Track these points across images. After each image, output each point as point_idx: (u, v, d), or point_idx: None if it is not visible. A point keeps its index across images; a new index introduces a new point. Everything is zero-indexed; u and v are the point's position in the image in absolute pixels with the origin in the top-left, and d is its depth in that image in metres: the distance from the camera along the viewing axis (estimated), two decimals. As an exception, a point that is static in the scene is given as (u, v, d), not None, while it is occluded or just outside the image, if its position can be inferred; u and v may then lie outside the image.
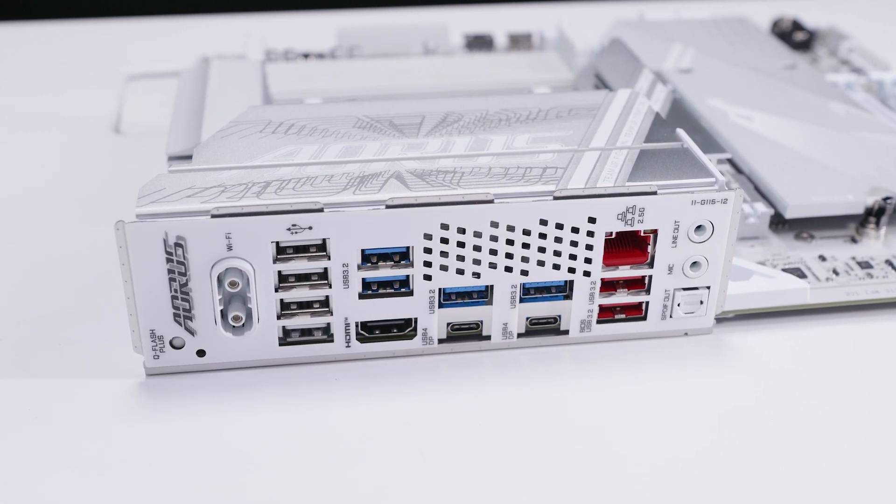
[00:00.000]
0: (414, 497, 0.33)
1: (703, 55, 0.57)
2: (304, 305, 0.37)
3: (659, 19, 0.63)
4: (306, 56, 0.59)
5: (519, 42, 0.63)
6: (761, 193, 0.45)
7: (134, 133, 0.56)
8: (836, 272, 0.42)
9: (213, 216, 0.35)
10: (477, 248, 0.37)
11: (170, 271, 0.35)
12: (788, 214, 0.43)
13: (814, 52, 0.64)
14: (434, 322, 0.38)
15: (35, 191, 0.50)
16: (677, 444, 0.35)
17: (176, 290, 0.36)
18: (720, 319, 0.40)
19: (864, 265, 0.43)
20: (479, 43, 0.62)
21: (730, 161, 0.48)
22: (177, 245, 0.35)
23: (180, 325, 0.36)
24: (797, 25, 0.65)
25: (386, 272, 0.37)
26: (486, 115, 0.42)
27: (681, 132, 0.40)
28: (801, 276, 0.42)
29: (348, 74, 0.55)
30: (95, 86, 0.62)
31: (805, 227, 0.45)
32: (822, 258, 0.43)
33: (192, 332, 0.37)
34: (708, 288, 0.39)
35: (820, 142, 0.48)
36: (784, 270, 0.42)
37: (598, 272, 0.38)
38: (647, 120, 0.41)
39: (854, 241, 0.44)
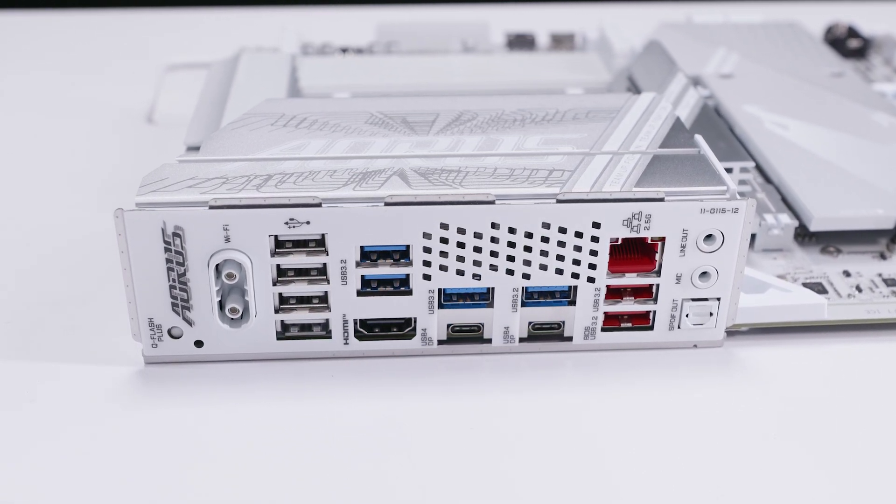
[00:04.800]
0: (398, 497, 0.32)
1: (746, 60, 0.55)
2: (304, 300, 0.37)
3: (706, 22, 0.61)
4: (344, 51, 0.59)
5: (562, 42, 0.62)
6: (788, 204, 0.44)
7: (166, 123, 0.56)
8: (859, 289, 0.40)
9: (211, 207, 0.35)
10: (477, 250, 0.36)
11: (168, 261, 0.35)
12: (813, 227, 0.42)
13: (868, 60, 0.62)
14: (434, 322, 0.37)
15: (61, 176, 0.51)
16: (674, 458, 0.34)
17: (174, 280, 0.36)
18: (733, 332, 0.39)
19: (891, 282, 0.41)
20: (521, 42, 0.61)
21: (759, 170, 0.46)
22: (175, 235, 0.35)
23: (178, 315, 0.36)
24: (852, 32, 0.63)
25: (385, 270, 0.36)
26: (500, 115, 0.41)
27: (698, 138, 0.39)
28: (822, 291, 0.40)
29: (382, 70, 0.55)
30: (136, 74, 0.63)
31: (832, 241, 0.43)
32: (847, 274, 0.41)
33: (189, 323, 0.37)
34: (718, 299, 0.37)
35: (856, 153, 0.46)
36: (804, 285, 0.40)
37: (603, 279, 0.37)
38: (667, 125, 0.40)
39: (883, 257, 0.43)
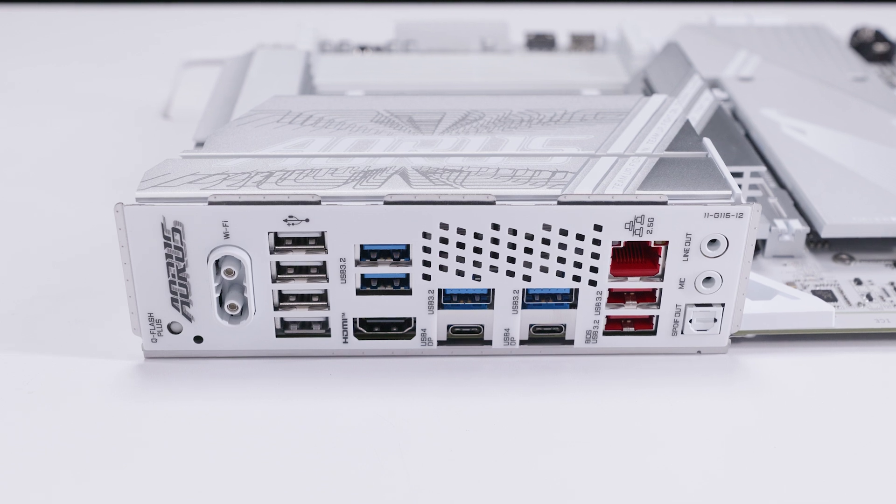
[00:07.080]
0: (393, 497, 0.32)
1: (768, 63, 0.55)
2: (304, 298, 0.37)
3: (729, 24, 0.61)
4: (363, 49, 0.59)
5: (582, 43, 0.61)
6: (800, 210, 0.43)
7: (181, 119, 0.56)
8: (869, 297, 0.40)
9: (211, 203, 0.35)
10: (477, 251, 0.36)
11: (167, 256, 0.35)
12: (824, 234, 0.41)
13: (894, 65, 0.60)
14: (433, 323, 0.37)
15: (72, 171, 0.52)
16: (675, 466, 0.33)
17: (174, 275, 0.36)
18: (738, 339, 0.39)
19: (902, 292, 0.40)
20: (540, 42, 0.61)
21: (773, 175, 0.45)
22: (174, 230, 0.35)
23: (178, 310, 0.36)
24: (879, 36, 0.62)
25: (384, 269, 0.36)
26: (508, 115, 0.41)
27: (706, 141, 0.38)
28: (831, 299, 0.40)
29: (398, 69, 0.55)
30: (153, 70, 0.63)
31: (845, 248, 0.43)
32: (858, 282, 0.41)
33: (189, 318, 0.37)
34: (722, 305, 0.37)
35: (873, 159, 0.45)
36: (814, 292, 0.40)
37: (605, 282, 0.37)
38: (676, 127, 0.40)
39: (897, 265, 0.42)
